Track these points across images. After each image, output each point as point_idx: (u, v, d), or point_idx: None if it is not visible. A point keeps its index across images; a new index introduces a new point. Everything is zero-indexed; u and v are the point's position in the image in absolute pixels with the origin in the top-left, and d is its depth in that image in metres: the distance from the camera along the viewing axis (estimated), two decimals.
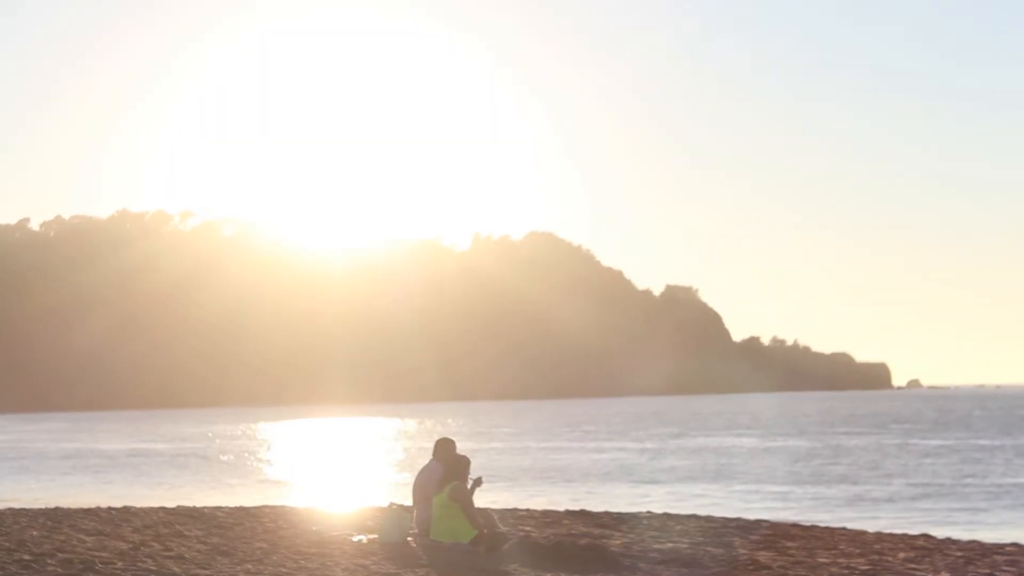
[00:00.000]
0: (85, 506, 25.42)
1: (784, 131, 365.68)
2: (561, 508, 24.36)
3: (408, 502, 17.33)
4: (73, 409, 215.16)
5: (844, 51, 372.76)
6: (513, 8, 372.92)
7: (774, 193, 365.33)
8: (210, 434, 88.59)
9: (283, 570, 14.08)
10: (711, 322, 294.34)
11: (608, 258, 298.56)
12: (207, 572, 13.84)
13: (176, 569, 13.98)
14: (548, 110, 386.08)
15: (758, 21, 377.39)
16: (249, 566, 14.40)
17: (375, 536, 17.17)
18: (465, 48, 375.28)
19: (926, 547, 16.93)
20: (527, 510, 22.87)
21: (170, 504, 25.99)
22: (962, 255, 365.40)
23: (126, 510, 23.31)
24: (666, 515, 22.08)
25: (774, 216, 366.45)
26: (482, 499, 17.50)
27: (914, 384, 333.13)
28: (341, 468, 44.67)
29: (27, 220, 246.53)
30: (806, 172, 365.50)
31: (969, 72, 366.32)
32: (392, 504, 17.22)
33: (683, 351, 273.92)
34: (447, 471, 16.28)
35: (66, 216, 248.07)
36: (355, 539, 17.26)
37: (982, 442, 57.24)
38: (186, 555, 15.41)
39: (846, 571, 14.26)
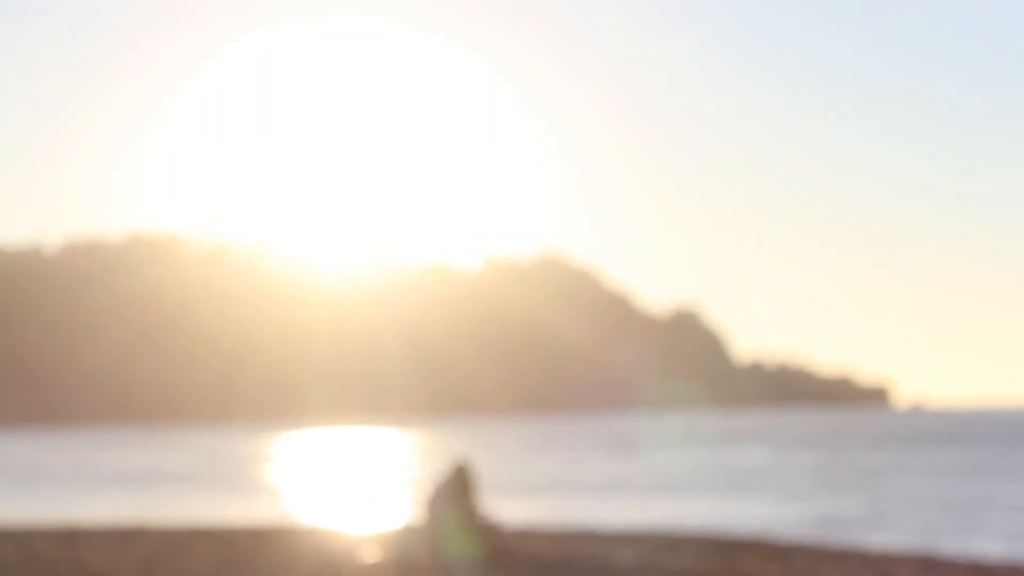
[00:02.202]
0: (97, 521, 25.51)
1: (792, 146, 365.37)
2: (570, 523, 24.42)
3: (420, 519, 17.40)
4: (84, 421, 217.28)
5: (850, 65, 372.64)
6: (519, 24, 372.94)
7: (781, 210, 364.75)
8: (221, 449, 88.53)
9: None
10: (713, 344, 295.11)
11: (611, 278, 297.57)
12: None
13: None
14: (553, 125, 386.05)
15: (764, 36, 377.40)
16: None
17: (387, 555, 17.22)
18: (467, 60, 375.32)
19: (930, 565, 17.02)
20: (536, 526, 22.91)
21: (182, 521, 26.08)
22: (974, 273, 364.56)
23: (138, 525, 23.40)
24: (674, 531, 22.16)
25: (781, 235, 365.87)
26: (492, 515, 17.58)
27: (917, 404, 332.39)
28: (351, 485, 44.72)
29: (39, 243, 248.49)
30: (813, 188, 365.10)
31: (983, 83, 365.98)
32: (404, 522, 17.30)
33: (684, 372, 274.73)
34: (458, 487, 16.38)
35: (78, 239, 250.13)
36: (366, 558, 17.32)
37: (986, 461, 57.24)
38: (197, 573, 15.50)
39: None
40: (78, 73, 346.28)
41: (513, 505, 31.49)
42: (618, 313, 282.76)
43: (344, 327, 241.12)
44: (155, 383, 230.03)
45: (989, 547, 21.94)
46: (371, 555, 17.54)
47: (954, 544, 22.43)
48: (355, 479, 49.14)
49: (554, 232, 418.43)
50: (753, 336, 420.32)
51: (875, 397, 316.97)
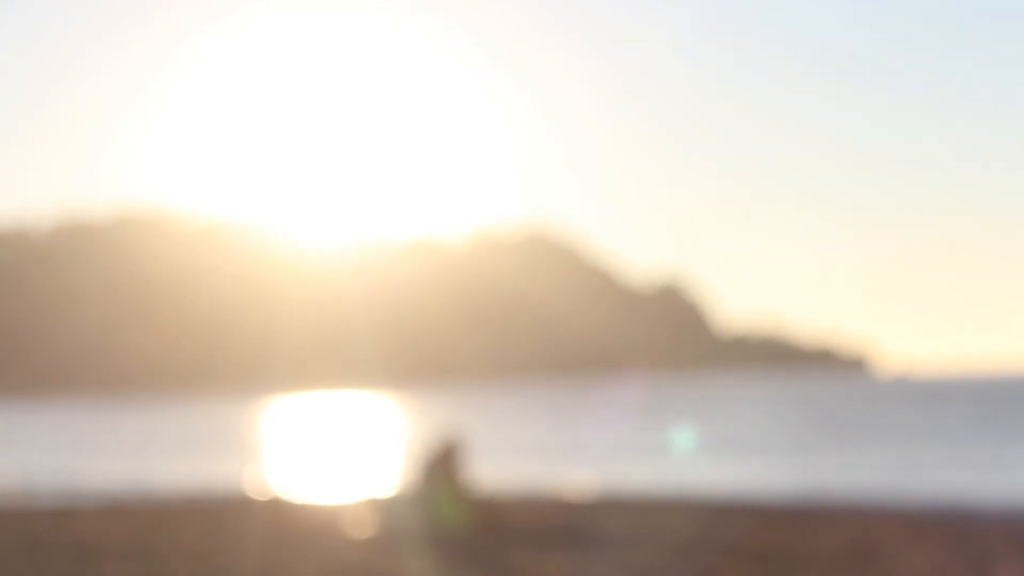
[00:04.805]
0: (87, 493, 25.51)
1: (777, 117, 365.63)
2: (561, 491, 24.44)
3: (410, 491, 17.38)
4: (70, 391, 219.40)
5: (832, 38, 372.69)
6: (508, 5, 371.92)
7: (766, 181, 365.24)
8: (210, 418, 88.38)
9: (283, 564, 14.14)
10: (695, 316, 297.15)
11: (596, 252, 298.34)
12: (206, 564, 13.94)
13: (176, 559, 14.09)
14: (537, 98, 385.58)
15: (750, 10, 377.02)
16: (248, 559, 14.49)
17: (377, 527, 17.21)
18: (455, 36, 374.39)
19: (922, 523, 17.07)
20: (527, 495, 22.92)
21: (172, 493, 26.05)
22: (964, 242, 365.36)
23: (128, 498, 23.39)
24: (665, 497, 22.19)
25: (766, 204, 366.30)
26: (483, 485, 17.61)
27: (903, 371, 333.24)
28: (340, 454, 44.74)
29: (27, 225, 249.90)
30: (792, 162, 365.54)
31: (955, 61, 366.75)
32: (394, 493, 17.30)
33: (666, 343, 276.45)
34: (449, 459, 16.38)
35: (66, 221, 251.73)
36: (357, 531, 17.30)
37: (972, 423, 57.44)
38: (189, 547, 15.51)
39: (843, 549, 14.41)
40: (65, 51, 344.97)
41: (502, 471, 31.53)
42: (602, 286, 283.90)
43: (330, 299, 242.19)
44: (144, 355, 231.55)
45: (975, 506, 22.05)
46: (362, 527, 17.54)
47: (943, 503, 22.53)
48: (344, 447, 49.20)
49: (540, 206, 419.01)
50: (736, 305, 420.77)
51: (860, 365, 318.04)
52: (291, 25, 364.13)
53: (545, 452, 45.19)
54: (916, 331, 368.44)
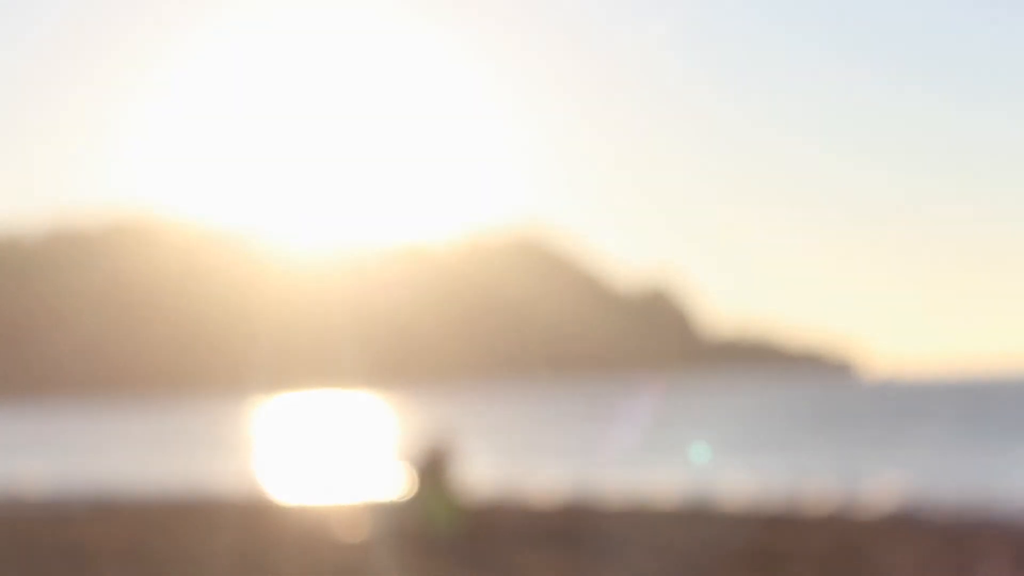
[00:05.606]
0: (81, 494, 25.50)
1: (768, 124, 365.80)
2: (554, 494, 24.46)
3: (402, 495, 17.39)
4: (62, 393, 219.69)
5: (824, 43, 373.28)
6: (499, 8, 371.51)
7: (750, 188, 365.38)
8: (203, 421, 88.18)
9: (275, 566, 14.16)
10: (681, 321, 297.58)
11: (582, 256, 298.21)
12: (199, 565, 13.97)
13: (169, 560, 14.11)
14: (526, 104, 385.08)
15: (739, 9, 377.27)
16: (240, 561, 14.51)
17: (371, 531, 17.21)
18: (445, 45, 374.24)
19: (911, 524, 17.12)
20: (520, 498, 22.90)
21: (165, 494, 26.04)
22: (946, 244, 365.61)
23: (118, 501, 23.38)
24: (655, 497, 22.19)
25: (755, 205, 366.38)
26: (470, 487, 17.62)
27: (892, 375, 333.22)
28: (333, 457, 44.66)
29: (22, 227, 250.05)
30: (780, 165, 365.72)
31: (949, 63, 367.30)
32: (387, 497, 17.31)
33: (651, 346, 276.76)
34: (440, 463, 16.41)
35: (60, 223, 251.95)
36: (350, 535, 17.29)
37: (958, 430, 57.48)
38: (183, 549, 15.53)
39: (835, 550, 14.47)
40: (57, 58, 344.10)
41: (494, 473, 31.54)
42: (590, 290, 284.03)
43: (320, 303, 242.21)
44: (136, 359, 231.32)
45: (965, 507, 22.11)
46: (352, 530, 17.54)
47: (932, 504, 22.60)
48: (335, 451, 49.11)
49: (528, 210, 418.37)
50: (724, 308, 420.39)
51: (848, 368, 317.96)
52: (282, 29, 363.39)
53: (539, 454, 45.15)
54: (905, 332, 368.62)
